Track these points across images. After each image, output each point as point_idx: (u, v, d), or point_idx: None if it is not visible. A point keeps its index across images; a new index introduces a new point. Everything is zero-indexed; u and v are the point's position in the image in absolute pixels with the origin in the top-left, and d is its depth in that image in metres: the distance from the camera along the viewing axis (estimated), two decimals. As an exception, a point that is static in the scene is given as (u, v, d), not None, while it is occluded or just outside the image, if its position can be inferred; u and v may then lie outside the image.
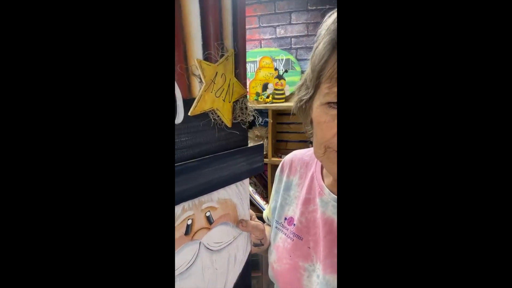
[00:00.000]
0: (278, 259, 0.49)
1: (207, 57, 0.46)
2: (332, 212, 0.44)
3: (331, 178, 0.47)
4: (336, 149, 0.38)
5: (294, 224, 0.48)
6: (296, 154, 0.57)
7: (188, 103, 0.45)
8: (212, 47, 0.46)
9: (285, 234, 0.50)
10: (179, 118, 0.44)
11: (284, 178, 0.55)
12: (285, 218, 0.51)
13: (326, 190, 0.46)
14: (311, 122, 0.46)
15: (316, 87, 0.40)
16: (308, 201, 0.48)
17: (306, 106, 0.45)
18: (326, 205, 0.45)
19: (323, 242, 0.44)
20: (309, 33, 1.60)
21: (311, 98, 0.43)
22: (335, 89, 0.35)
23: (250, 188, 1.42)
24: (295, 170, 0.54)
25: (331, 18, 0.37)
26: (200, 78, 0.45)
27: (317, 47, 0.38)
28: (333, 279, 0.41)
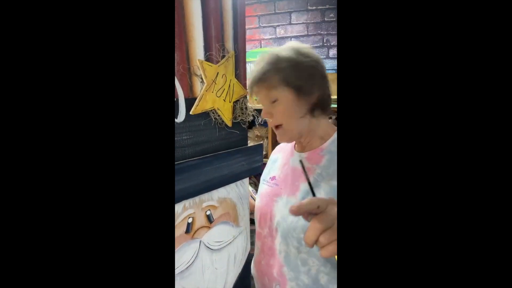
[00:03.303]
0: (261, 199, 0.71)
1: (208, 58, 0.46)
2: (296, 163, 0.68)
3: (298, 146, 0.71)
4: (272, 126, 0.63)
5: (275, 179, 0.71)
6: (282, 144, 0.82)
7: (189, 102, 0.45)
8: (213, 49, 0.47)
9: (268, 185, 0.71)
10: (181, 116, 0.44)
11: (273, 156, 0.80)
12: (270, 177, 0.73)
13: (295, 152, 0.70)
14: None
15: None
16: (284, 165, 0.71)
17: None
18: (294, 161, 0.68)
19: (289, 181, 0.65)
20: (309, 33, 1.60)
21: None
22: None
23: (250, 188, 1.43)
24: (279, 150, 0.79)
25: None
26: (202, 78, 0.46)
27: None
28: (291, 199, 0.63)
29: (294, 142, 0.73)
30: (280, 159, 0.75)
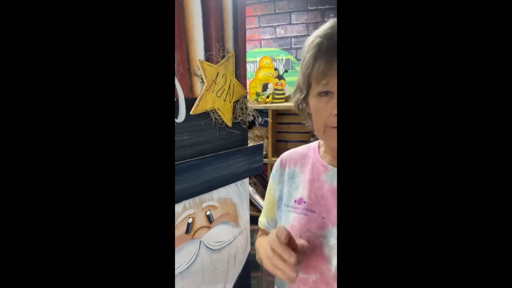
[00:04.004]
0: (296, 236, 0.52)
1: (208, 58, 0.46)
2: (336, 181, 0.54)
3: (328, 157, 0.58)
4: (331, 126, 0.49)
5: (305, 202, 0.56)
6: (292, 150, 0.65)
7: (190, 102, 0.45)
8: (213, 49, 0.47)
9: (298, 213, 0.56)
10: (181, 117, 0.44)
11: (287, 169, 0.62)
12: (295, 201, 0.57)
13: (330, 167, 0.56)
14: (309, 115, 0.57)
15: (308, 86, 0.53)
16: (313, 182, 0.57)
17: (303, 103, 0.56)
18: (332, 178, 0.55)
19: (336, 208, 0.52)
20: (309, 33, 1.59)
21: (306, 96, 0.55)
22: (323, 82, 0.48)
23: (250, 188, 1.43)
24: (295, 161, 0.62)
25: (309, 40, 0.51)
26: (202, 78, 0.46)
27: (304, 59, 0.52)
28: None
29: (316, 151, 0.61)
30: (300, 174, 0.59)
